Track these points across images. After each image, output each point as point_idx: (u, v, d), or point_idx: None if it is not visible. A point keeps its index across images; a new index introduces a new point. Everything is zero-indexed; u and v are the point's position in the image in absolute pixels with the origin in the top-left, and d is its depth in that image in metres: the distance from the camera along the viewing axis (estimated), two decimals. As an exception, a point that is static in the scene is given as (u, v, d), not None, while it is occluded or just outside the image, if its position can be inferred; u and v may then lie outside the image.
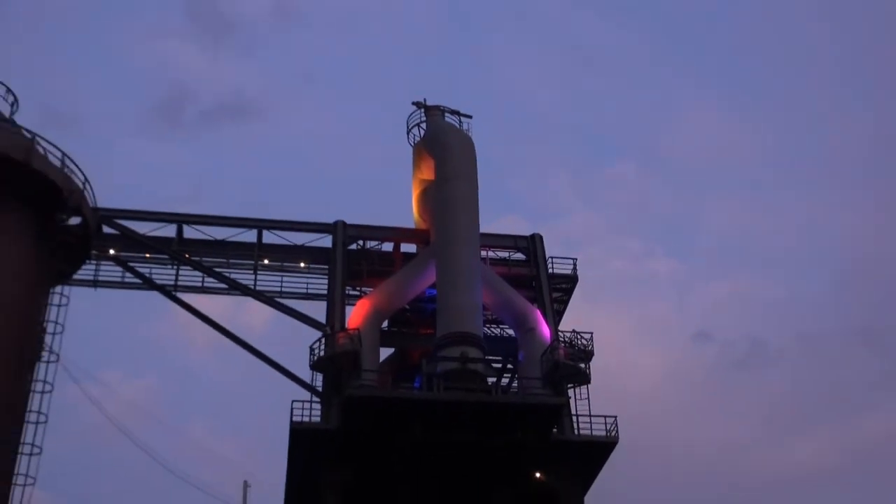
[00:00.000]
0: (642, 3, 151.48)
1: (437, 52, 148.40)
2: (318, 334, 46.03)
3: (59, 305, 42.41)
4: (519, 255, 53.10)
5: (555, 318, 49.83)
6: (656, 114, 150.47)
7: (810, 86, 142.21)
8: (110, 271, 50.80)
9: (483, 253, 49.60)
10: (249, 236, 51.65)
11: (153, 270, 51.27)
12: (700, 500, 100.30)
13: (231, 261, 51.68)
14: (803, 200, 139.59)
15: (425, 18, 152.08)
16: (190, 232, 51.23)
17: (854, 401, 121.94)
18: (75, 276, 45.94)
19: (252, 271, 51.58)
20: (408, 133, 55.00)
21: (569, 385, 45.26)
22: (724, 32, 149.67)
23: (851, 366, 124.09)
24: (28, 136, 40.27)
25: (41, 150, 40.00)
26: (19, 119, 42.30)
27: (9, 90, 42.24)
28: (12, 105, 42.44)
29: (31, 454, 39.22)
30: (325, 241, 51.29)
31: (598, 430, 43.63)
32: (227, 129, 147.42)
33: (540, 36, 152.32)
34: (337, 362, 44.06)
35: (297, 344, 47.21)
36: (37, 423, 39.85)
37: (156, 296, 51.65)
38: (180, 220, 51.21)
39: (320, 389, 45.09)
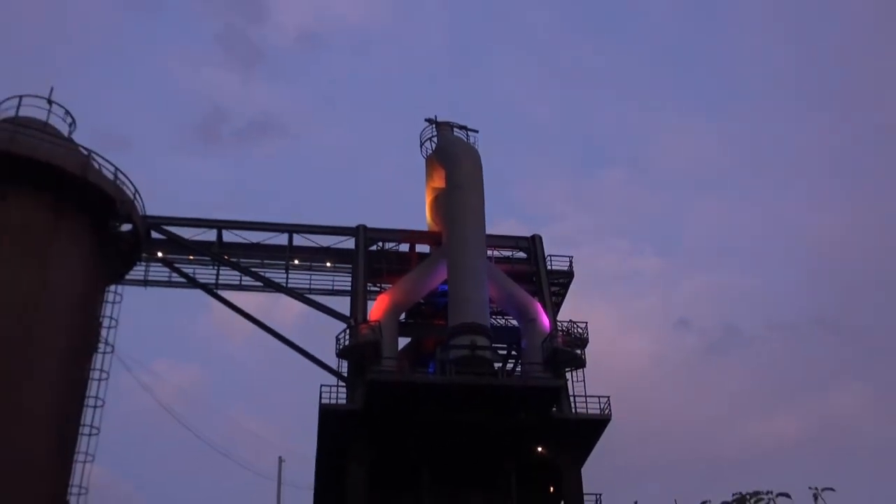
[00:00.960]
0: (628, 27, 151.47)
1: (446, 74, 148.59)
2: (343, 326, 46.06)
3: (113, 302, 42.37)
4: (521, 254, 52.96)
5: (553, 309, 49.72)
6: (641, 126, 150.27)
7: (779, 99, 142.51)
8: (158, 272, 50.92)
9: (489, 252, 49.51)
10: (281, 239, 51.64)
11: (196, 271, 51.39)
12: (682, 468, 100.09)
13: (265, 261, 51.66)
14: (773, 202, 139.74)
15: (435, 44, 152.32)
16: (228, 236, 51.23)
17: (819, 381, 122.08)
18: (128, 277, 45.90)
19: (284, 270, 51.53)
20: (421, 146, 55.00)
21: (566, 369, 45.16)
22: (702, 52, 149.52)
23: (817, 350, 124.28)
24: (84, 152, 40.23)
25: (96, 165, 39.97)
26: (76, 138, 42.32)
27: (67, 112, 42.22)
28: (70, 125, 42.41)
29: (90, 434, 39.24)
30: (349, 243, 51.22)
31: (593, 409, 43.50)
32: (259, 145, 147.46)
33: (537, 59, 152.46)
34: (360, 351, 44.09)
35: (324, 335, 47.39)
36: (95, 406, 39.84)
37: (199, 293, 51.83)
38: (220, 225, 51.19)
39: (346, 375, 45.10)
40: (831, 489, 8.60)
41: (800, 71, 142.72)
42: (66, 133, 41.98)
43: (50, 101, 41.54)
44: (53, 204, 37.94)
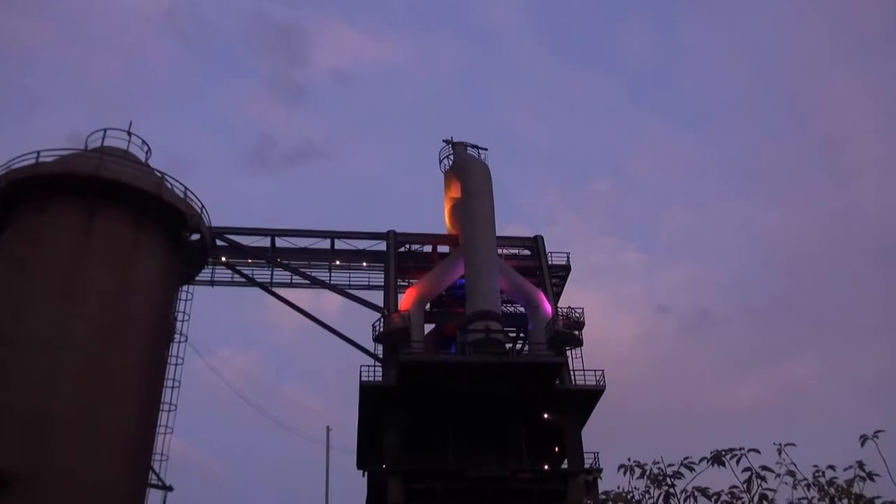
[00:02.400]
0: (610, 62, 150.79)
1: (460, 103, 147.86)
2: (378, 316, 46.10)
3: (185, 300, 42.72)
4: (526, 252, 52.73)
5: (554, 298, 49.56)
6: (623, 143, 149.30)
7: (739, 119, 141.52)
8: (223, 273, 51.07)
9: (499, 250, 49.43)
10: (324, 244, 51.60)
11: (254, 272, 51.49)
12: (664, 430, 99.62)
13: (311, 263, 51.65)
14: (739, 204, 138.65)
15: (450, 78, 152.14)
16: (280, 242, 51.28)
17: (780, 354, 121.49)
18: (197, 278, 46.09)
19: (327, 270, 51.59)
20: (440, 163, 54.88)
21: (566, 347, 44.99)
22: (675, 78, 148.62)
23: (778, 328, 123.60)
24: (159, 175, 40.54)
25: (169, 185, 40.23)
26: (152, 163, 42.58)
27: (144, 142, 42.53)
28: (146, 152, 42.71)
29: (169, 410, 39.63)
30: (381, 245, 51.20)
31: (590, 381, 43.34)
32: (303, 167, 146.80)
33: (536, 88, 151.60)
34: (393, 336, 44.11)
35: (362, 323, 47.41)
36: (173, 387, 40.21)
37: (257, 291, 51.90)
38: (273, 234, 51.30)
39: (381, 356, 45.12)
40: (793, 444, 8.57)
41: (756, 95, 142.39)
42: (143, 159, 42.29)
43: (129, 133, 41.93)
44: (134, 219, 38.27)
